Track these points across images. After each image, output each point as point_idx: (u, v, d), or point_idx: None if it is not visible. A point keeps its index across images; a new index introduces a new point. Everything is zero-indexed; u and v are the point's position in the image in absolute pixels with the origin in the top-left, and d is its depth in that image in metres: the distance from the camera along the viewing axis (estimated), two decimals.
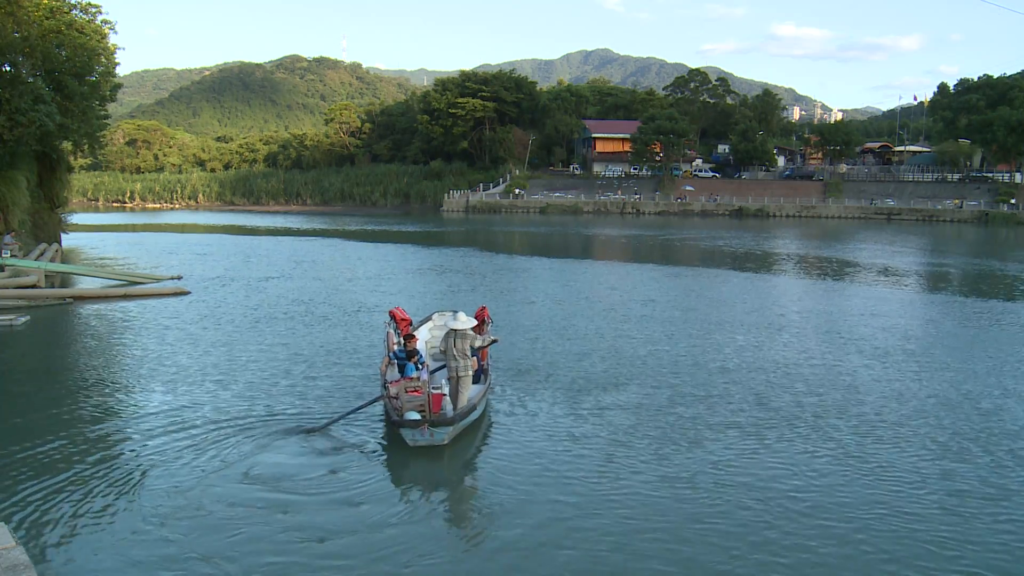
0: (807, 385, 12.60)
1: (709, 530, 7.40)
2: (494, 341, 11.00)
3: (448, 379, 10.23)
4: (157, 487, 8.21)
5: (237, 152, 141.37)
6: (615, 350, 15.08)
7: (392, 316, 12.00)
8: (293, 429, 10.11)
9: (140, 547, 6.94)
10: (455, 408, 9.86)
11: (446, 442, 9.49)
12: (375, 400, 10.56)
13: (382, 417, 10.50)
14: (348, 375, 12.95)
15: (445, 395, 9.85)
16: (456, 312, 10.52)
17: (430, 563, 6.82)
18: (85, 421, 10.45)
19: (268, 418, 10.56)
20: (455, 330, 10.12)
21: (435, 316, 14.56)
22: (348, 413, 10.42)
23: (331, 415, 10.53)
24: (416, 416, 9.26)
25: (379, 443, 9.82)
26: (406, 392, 9.41)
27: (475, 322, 10.51)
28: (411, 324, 12.10)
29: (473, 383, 10.52)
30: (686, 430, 10.27)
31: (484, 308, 12.50)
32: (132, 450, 9.36)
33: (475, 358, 10.54)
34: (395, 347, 10.89)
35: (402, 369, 10.40)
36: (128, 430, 10.11)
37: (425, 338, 13.05)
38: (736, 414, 10.97)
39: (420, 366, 10.47)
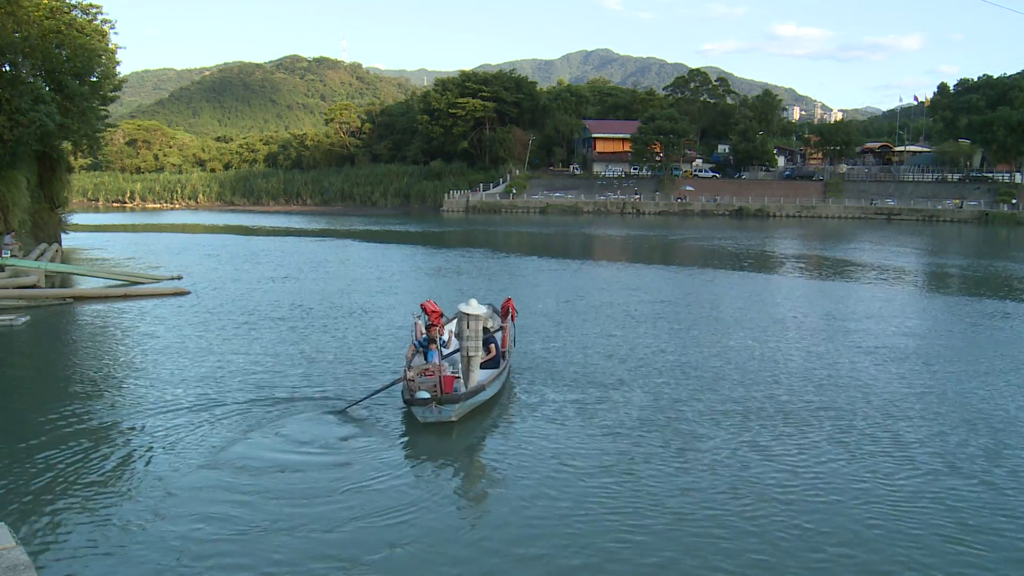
0: (817, 388, 12.57)
1: (709, 525, 7.40)
2: (500, 327, 12.30)
3: (461, 360, 11.09)
4: (158, 485, 8.21)
5: (237, 152, 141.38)
6: (621, 348, 15.07)
7: (423, 308, 12.61)
8: (299, 414, 10.62)
9: (141, 545, 6.94)
10: (466, 386, 10.64)
11: (454, 419, 10.22)
12: (396, 382, 11.22)
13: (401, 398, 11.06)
14: (349, 376, 12.95)
15: (458, 378, 10.67)
16: (469, 300, 11.34)
17: (429, 533, 7.21)
18: (85, 421, 10.44)
19: (270, 410, 10.66)
20: (467, 314, 10.92)
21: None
22: (372, 394, 11.12)
23: (352, 398, 11.20)
24: (426, 395, 9.99)
25: (395, 422, 10.45)
26: (421, 375, 10.21)
27: (484, 308, 11.41)
28: (442, 316, 12.73)
29: (490, 368, 11.40)
30: (690, 426, 10.26)
31: (510, 300, 13.32)
32: (132, 449, 9.35)
33: (493, 344, 11.61)
34: (421, 336, 11.76)
35: (425, 356, 11.21)
36: (128, 429, 10.10)
37: (453, 329, 13.55)
38: (742, 413, 10.95)
39: (441, 350, 11.29)
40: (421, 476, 8.76)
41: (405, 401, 10.35)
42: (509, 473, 8.79)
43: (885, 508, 7.88)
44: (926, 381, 12.98)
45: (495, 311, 14.52)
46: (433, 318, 12.25)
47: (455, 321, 13.69)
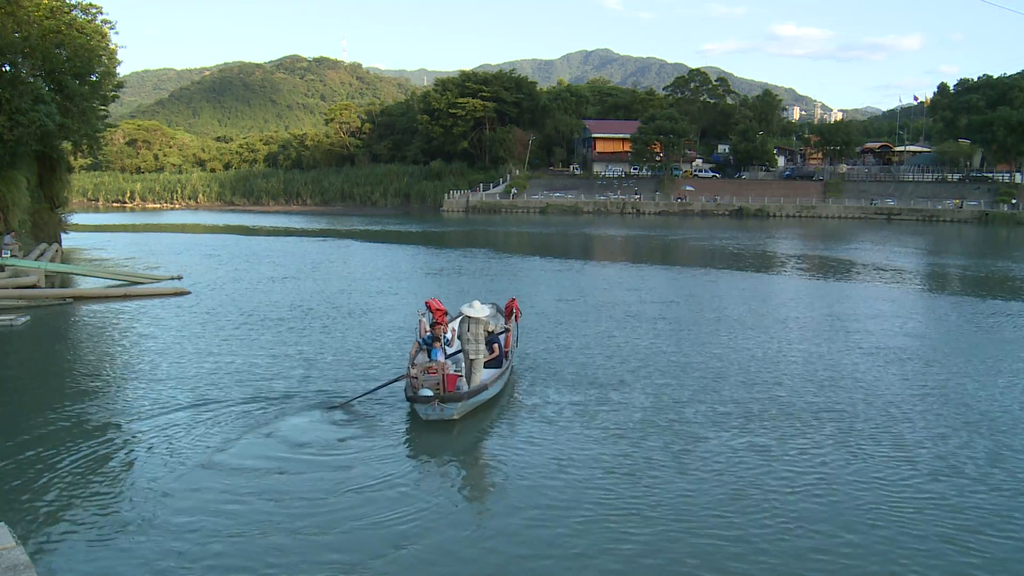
0: (819, 389, 12.54)
1: (712, 528, 7.38)
2: (505, 330, 12.44)
3: (464, 361, 11.21)
4: (158, 485, 8.19)
5: (237, 152, 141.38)
6: (623, 349, 15.06)
7: (428, 306, 12.76)
8: (299, 412, 10.71)
9: (142, 545, 6.93)
10: (468, 386, 10.79)
11: (456, 417, 10.36)
12: (399, 379, 11.41)
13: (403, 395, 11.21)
14: (349, 376, 12.95)
15: (460, 376, 10.80)
16: (472, 301, 11.49)
17: (432, 534, 7.24)
18: (85, 421, 10.43)
19: (271, 410, 10.67)
20: (469, 316, 11.04)
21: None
22: (374, 389, 11.36)
23: (353, 393, 11.40)
24: (429, 393, 10.11)
25: (396, 419, 10.61)
26: (424, 372, 10.34)
27: (488, 310, 11.59)
28: (446, 314, 12.89)
29: (493, 367, 11.57)
30: (692, 427, 10.25)
31: (514, 300, 13.47)
32: (132, 449, 9.34)
33: (496, 344, 11.79)
34: (425, 334, 11.95)
35: (429, 354, 11.39)
36: (128, 429, 10.09)
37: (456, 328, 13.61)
38: (744, 415, 10.93)
39: (445, 348, 11.46)
40: (423, 476, 8.76)
41: (408, 398, 10.46)
42: (511, 474, 8.79)
43: (887, 511, 7.83)
44: (929, 382, 12.93)
45: (499, 311, 14.59)
46: (438, 316, 12.40)
47: (458, 320, 13.79)
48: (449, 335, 12.65)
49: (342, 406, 10.92)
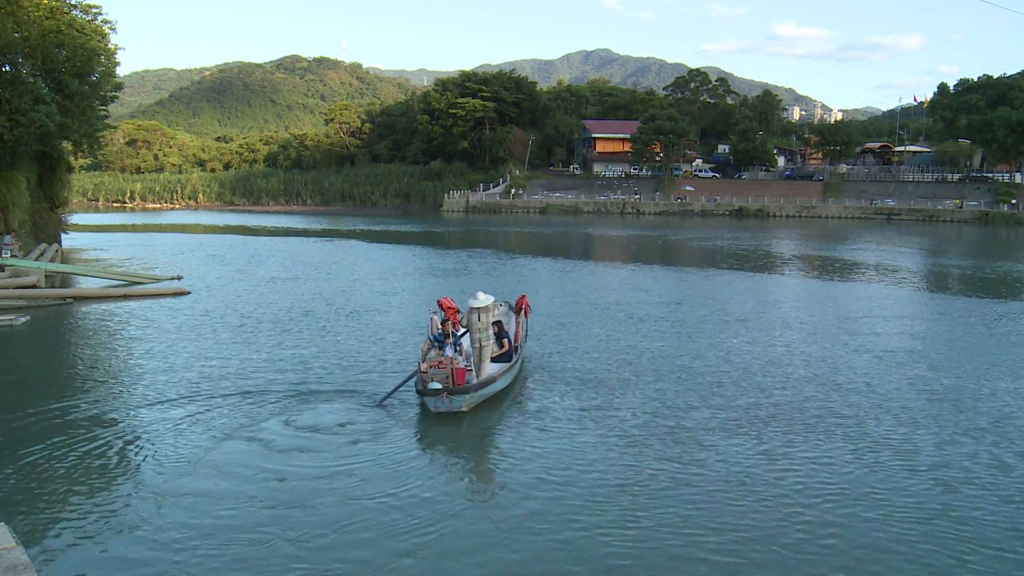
0: (829, 394, 12.50)
1: (717, 530, 7.37)
2: (510, 310, 13.16)
3: (472, 350, 11.50)
4: (159, 487, 8.18)
5: (237, 152, 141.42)
6: (629, 351, 15.04)
7: (439, 304, 12.90)
8: (303, 410, 10.79)
9: (141, 545, 6.92)
10: (477, 377, 11.07)
11: (465, 409, 10.64)
12: (413, 375, 11.61)
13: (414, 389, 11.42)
14: (348, 375, 12.94)
15: (469, 370, 11.06)
16: (476, 293, 11.77)
17: (438, 531, 7.29)
18: (85, 421, 10.42)
19: (273, 409, 10.65)
20: (476, 308, 11.31)
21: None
22: (395, 388, 11.48)
23: (378, 394, 11.56)
24: (438, 386, 10.40)
25: (406, 412, 10.82)
26: (434, 367, 10.64)
27: (492, 298, 11.91)
28: (458, 312, 13.03)
29: (503, 361, 11.94)
30: (696, 423, 10.25)
31: (524, 296, 13.79)
32: (133, 450, 9.33)
33: (507, 339, 12.21)
34: (436, 331, 12.22)
35: (441, 350, 11.60)
36: (129, 430, 10.08)
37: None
38: (749, 420, 10.91)
39: (457, 347, 11.75)
40: (430, 476, 8.69)
41: (418, 391, 10.75)
42: (517, 476, 8.71)
43: (891, 517, 7.79)
44: (937, 386, 12.79)
45: (510, 307, 14.76)
46: (449, 314, 12.58)
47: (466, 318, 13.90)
48: (460, 332, 12.72)
49: (381, 403, 11.06)
